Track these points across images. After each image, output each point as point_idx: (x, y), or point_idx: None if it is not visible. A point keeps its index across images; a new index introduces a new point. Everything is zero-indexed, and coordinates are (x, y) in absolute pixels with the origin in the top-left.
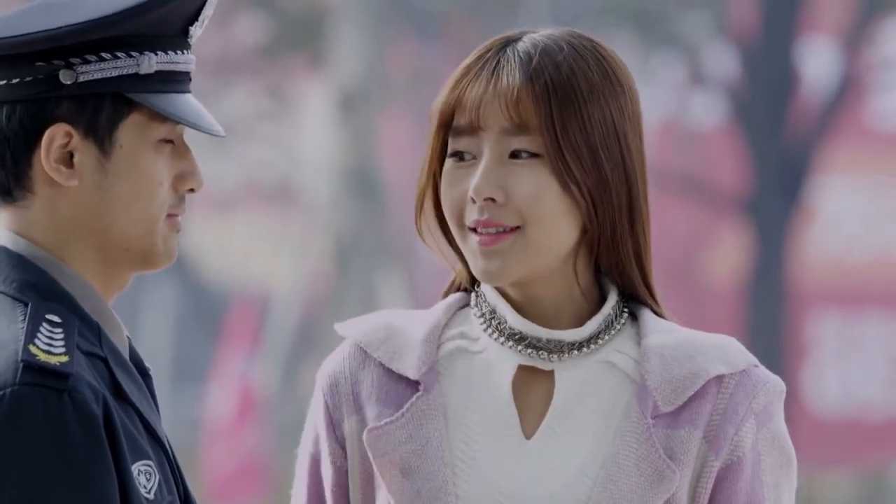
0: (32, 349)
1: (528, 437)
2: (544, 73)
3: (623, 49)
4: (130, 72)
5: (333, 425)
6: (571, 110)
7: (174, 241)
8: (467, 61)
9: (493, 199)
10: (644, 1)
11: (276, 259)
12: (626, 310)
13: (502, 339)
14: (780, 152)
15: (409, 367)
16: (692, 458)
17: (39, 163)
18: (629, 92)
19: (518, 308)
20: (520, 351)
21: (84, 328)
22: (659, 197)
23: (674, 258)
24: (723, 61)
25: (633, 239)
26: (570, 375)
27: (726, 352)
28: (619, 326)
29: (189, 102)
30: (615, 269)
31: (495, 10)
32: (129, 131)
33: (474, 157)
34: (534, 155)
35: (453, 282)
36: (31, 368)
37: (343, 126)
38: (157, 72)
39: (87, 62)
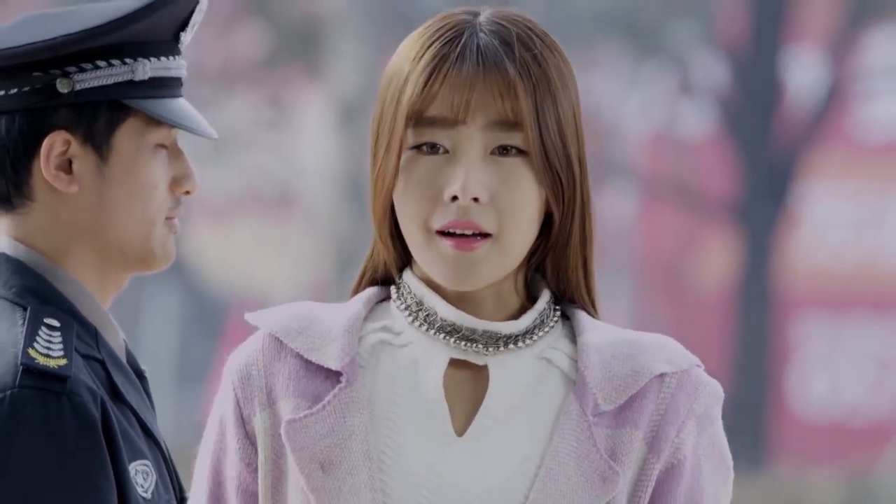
0: (31, 353)
1: (459, 433)
2: (528, 64)
3: (615, 58)
4: (125, 79)
5: (244, 420)
6: (551, 105)
7: (171, 243)
8: (431, 46)
9: (476, 199)
10: (635, 10)
11: (276, 265)
12: (557, 308)
13: (432, 332)
14: (768, 160)
15: (331, 358)
16: (633, 460)
17: (39, 170)
18: (575, 81)
19: (449, 300)
20: (452, 344)
21: (82, 332)
22: (649, 204)
23: (663, 264)
24: (712, 70)
25: (582, 241)
26: (504, 370)
27: (667, 351)
28: (552, 324)
29: (183, 106)
30: (558, 271)
31: None
32: (126, 137)
33: (447, 151)
34: (520, 152)
35: (364, 274)
36: (31, 372)
37: (342, 134)
38: (151, 78)
39: (83, 70)
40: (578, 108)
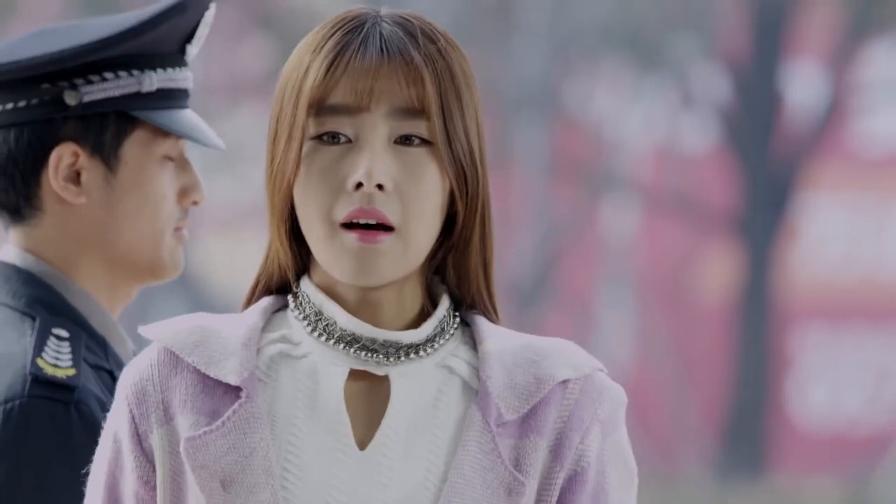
0: (40, 363)
1: (361, 446)
2: (432, 54)
3: (617, 72)
4: (132, 90)
5: (140, 437)
6: (455, 97)
7: (180, 253)
8: (332, 36)
9: (380, 187)
10: (637, 25)
11: None
12: (456, 315)
13: (331, 342)
14: (768, 172)
15: (230, 373)
16: (538, 469)
17: (48, 182)
18: (476, 84)
19: (349, 309)
20: (352, 354)
21: (90, 342)
22: (651, 216)
23: (665, 276)
24: (713, 84)
25: (483, 240)
26: (406, 381)
27: (570, 356)
28: (452, 331)
29: (190, 118)
30: (458, 273)
31: (490, 30)
32: (134, 148)
33: (349, 140)
34: (424, 142)
35: (258, 284)
36: (39, 381)
37: None
38: (158, 89)
39: (91, 83)
40: (480, 108)
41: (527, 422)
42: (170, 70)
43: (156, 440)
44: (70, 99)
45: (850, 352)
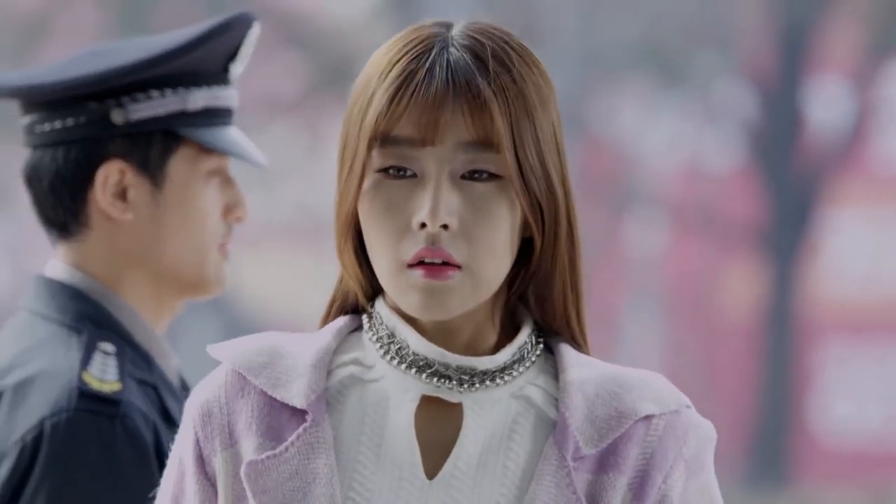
0: (86, 377)
1: (430, 476)
2: (503, 81)
3: (642, 88)
4: (178, 108)
5: (203, 460)
6: (528, 124)
7: (224, 269)
8: (399, 62)
9: (445, 227)
10: (662, 42)
11: (312, 294)
12: (540, 341)
13: (403, 366)
14: (792, 189)
15: (296, 396)
16: None
17: (95, 199)
18: (556, 98)
19: (423, 332)
20: (424, 380)
21: (136, 357)
22: (676, 233)
23: (691, 292)
24: (737, 100)
25: (572, 267)
26: (480, 409)
27: (655, 389)
28: (533, 358)
29: (234, 135)
30: (542, 300)
31: None
32: (179, 165)
33: (415, 175)
34: (493, 176)
35: (333, 303)
36: (86, 395)
37: None
38: (202, 108)
39: (137, 101)
40: (559, 127)
41: (606, 457)
42: (214, 88)
43: (219, 464)
44: (117, 117)
45: (872, 366)
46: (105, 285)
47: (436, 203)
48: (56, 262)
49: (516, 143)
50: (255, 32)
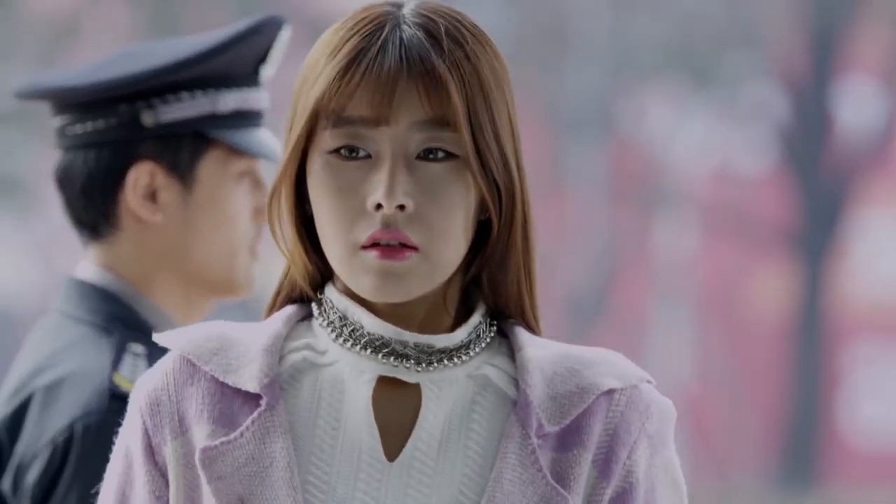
0: (117, 378)
1: (391, 458)
2: (457, 59)
3: (672, 90)
4: (208, 111)
5: (153, 450)
6: (483, 103)
7: (253, 270)
8: (350, 40)
9: (402, 207)
10: (692, 43)
11: None
12: (493, 323)
13: (358, 348)
14: (824, 190)
15: (249, 380)
16: (581, 484)
17: (125, 200)
18: (509, 77)
19: (376, 313)
20: (380, 360)
21: None
22: (707, 234)
23: (721, 294)
24: (768, 101)
25: (525, 250)
26: (438, 389)
27: (615, 365)
28: (488, 339)
29: (264, 137)
30: (496, 283)
31: (546, 50)
32: (210, 167)
33: (368, 156)
34: (449, 155)
35: (279, 293)
36: (116, 397)
37: None
38: (232, 110)
39: (167, 103)
40: (514, 109)
41: (569, 434)
42: (244, 90)
43: (169, 453)
44: (147, 119)
45: None
46: (135, 286)
47: (391, 183)
48: (87, 263)
49: (472, 122)
50: (285, 35)
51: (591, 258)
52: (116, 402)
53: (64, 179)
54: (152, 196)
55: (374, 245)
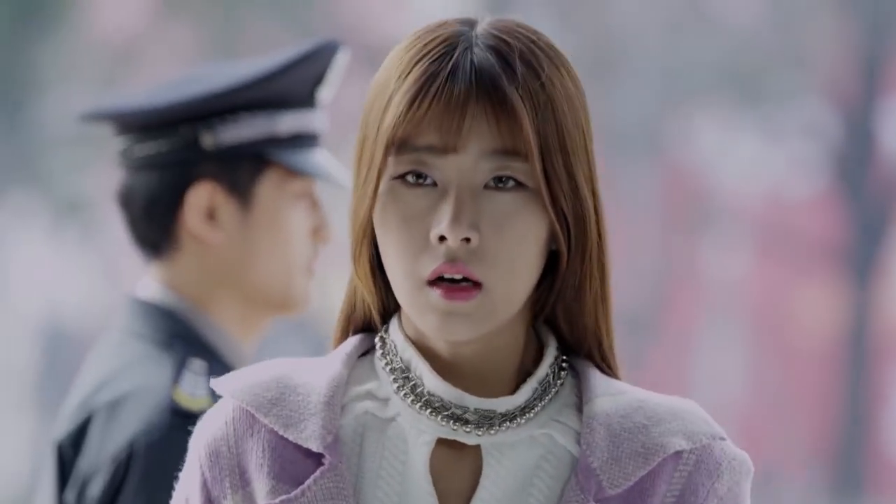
0: (178, 395)
1: None
2: (530, 84)
3: (722, 111)
4: (266, 132)
5: (212, 502)
6: (557, 133)
7: (309, 288)
8: (419, 62)
9: (467, 240)
10: (741, 62)
11: None
12: (564, 364)
13: (419, 405)
14: (873, 210)
15: (311, 438)
16: None
17: (185, 220)
18: (585, 101)
19: (438, 364)
20: (440, 421)
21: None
22: (756, 255)
23: (769, 314)
24: (819, 122)
25: (602, 284)
26: (500, 454)
27: (686, 422)
28: (556, 388)
29: (321, 157)
30: (570, 317)
31: (597, 70)
32: (268, 187)
33: (434, 184)
34: (519, 185)
35: (344, 317)
36: (177, 413)
37: None
38: (290, 131)
39: (227, 125)
40: (589, 133)
41: (632, 496)
42: (302, 112)
43: None
44: (207, 140)
45: None
46: (195, 304)
47: (457, 215)
48: (148, 281)
49: (544, 153)
50: (342, 58)
51: (642, 280)
52: (177, 418)
53: (126, 200)
54: (212, 216)
55: (439, 280)
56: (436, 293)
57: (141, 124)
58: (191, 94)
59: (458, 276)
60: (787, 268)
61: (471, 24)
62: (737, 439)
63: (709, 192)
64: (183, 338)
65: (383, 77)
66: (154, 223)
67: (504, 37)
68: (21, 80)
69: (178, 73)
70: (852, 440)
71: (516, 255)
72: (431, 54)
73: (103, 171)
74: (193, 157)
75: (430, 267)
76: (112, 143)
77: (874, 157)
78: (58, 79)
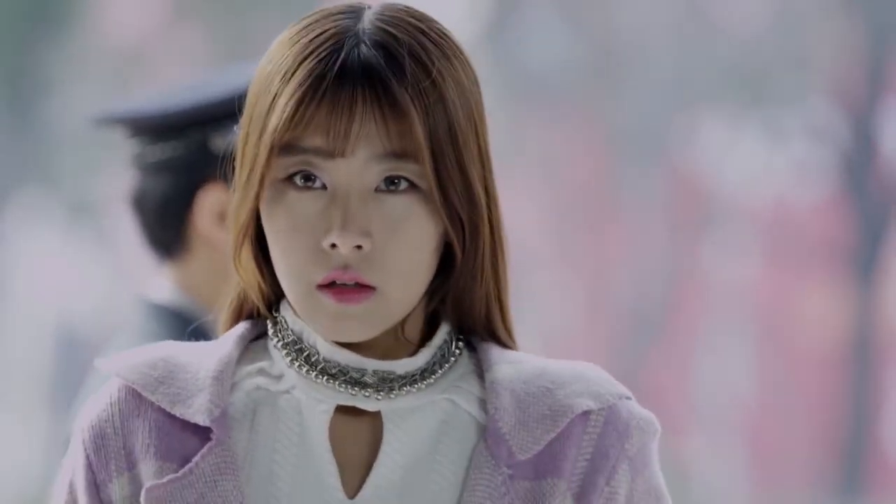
0: None
1: (350, 495)
2: (421, 85)
3: (728, 112)
4: None
5: (97, 486)
6: (448, 132)
7: None
8: (305, 62)
9: (359, 247)
10: (748, 65)
11: None
12: (461, 339)
13: (314, 374)
14: (879, 213)
15: (198, 412)
16: None
17: (197, 222)
18: (479, 89)
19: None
20: (338, 387)
21: None
22: (762, 257)
23: (775, 320)
24: (827, 125)
25: (495, 278)
26: (401, 420)
27: (591, 382)
28: (454, 359)
29: None
30: (461, 310)
31: (602, 72)
32: None
33: (323, 186)
34: (411, 185)
35: (233, 308)
36: None
37: None
38: None
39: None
40: (482, 123)
41: (543, 460)
42: None
43: (115, 490)
44: (217, 143)
45: None
46: (206, 306)
47: (347, 222)
48: (160, 281)
49: (436, 153)
50: None
51: (648, 281)
52: None
53: (139, 202)
54: (223, 218)
55: (330, 285)
56: (328, 295)
57: (153, 128)
58: (201, 98)
59: (350, 283)
60: (792, 269)
61: (357, 14)
62: (741, 440)
63: (714, 194)
64: (195, 339)
65: (266, 72)
66: (166, 226)
67: (392, 30)
68: (32, 81)
69: (188, 75)
70: (857, 441)
71: (410, 258)
72: (317, 53)
73: (115, 173)
74: (205, 160)
75: (321, 273)
76: (124, 145)
77: (880, 159)
78: (69, 80)
